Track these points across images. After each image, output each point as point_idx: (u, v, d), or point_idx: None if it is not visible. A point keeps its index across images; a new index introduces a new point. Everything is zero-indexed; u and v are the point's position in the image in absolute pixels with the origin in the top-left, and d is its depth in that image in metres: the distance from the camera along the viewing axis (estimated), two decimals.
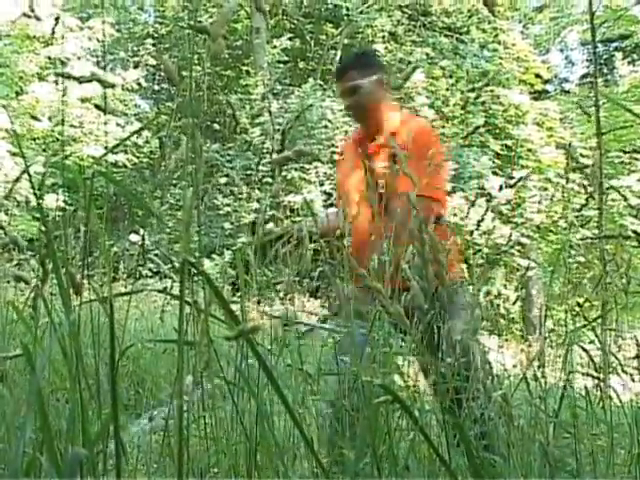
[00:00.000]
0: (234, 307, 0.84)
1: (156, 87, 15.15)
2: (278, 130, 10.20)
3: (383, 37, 13.69)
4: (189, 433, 1.23)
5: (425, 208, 1.82)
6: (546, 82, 15.95)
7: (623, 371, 1.65)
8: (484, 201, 8.56)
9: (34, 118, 9.96)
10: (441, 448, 1.40)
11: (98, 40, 11.56)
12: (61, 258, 0.98)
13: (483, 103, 12.48)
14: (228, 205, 10.77)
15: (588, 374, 1.61)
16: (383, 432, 1.35)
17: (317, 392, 1.66)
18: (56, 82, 9.91)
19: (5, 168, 8.41)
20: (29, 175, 0.96)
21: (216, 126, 12.61)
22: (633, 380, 1.63)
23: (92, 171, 0.97)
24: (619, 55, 15.26)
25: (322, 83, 12.52)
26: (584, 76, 19.05)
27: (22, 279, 1.20)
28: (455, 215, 9.03)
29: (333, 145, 10.85)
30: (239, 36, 14.88)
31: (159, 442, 1.72)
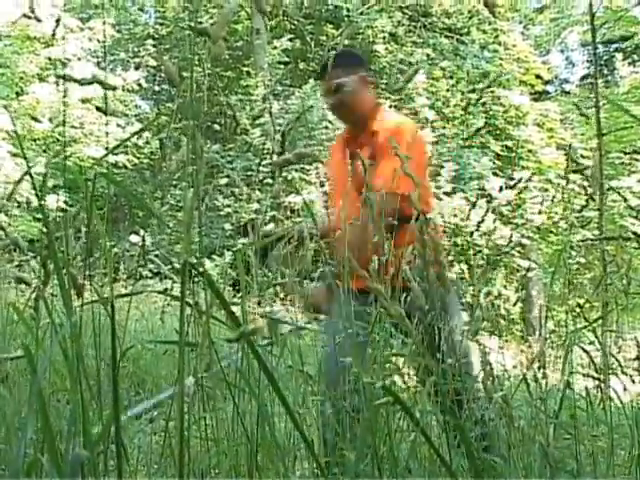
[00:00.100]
0: (235, 308, 0.85)
1: (157, 88, 15.14)
2: (279, 131, 10.20)
3: (384, 38, 13.69)
4: (190, 434, 1.23)
5: (395, 205, 1.82)
6: (546, 83, 15.96)
7: (623, 372, 1.65)
8: (484, 202, 8.57)
9: (34, 119, 9.96)
10: (442, 449, 1.40)
11: (98, 41, 11.56)
12: (62, 259, 0.98)
13: (484, 104, 12.49)
14: (229, 206, 10.77)
15: (588, 375, 1.61)
16: (384, 433, 1.36)
17: (317, 393, 1.66)
18: (57, 83, 9.92)
19: (6, 169, 8.41)
20: (31, 176, 0.97)
21: (217, 127, 12.60)
22: (633, 381, 1.63)
23: (93, 172, 0.97)
24: (619, 56, 15.25)
25: None
26: (584, 77, 19.06)
27: (23, 280, 1.20)
28: (455, 216, 9.04)
29: None
30: (239, 37, 14.88)
31: (160, 443, 1.72)
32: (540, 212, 9.91)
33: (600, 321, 1.90)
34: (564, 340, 1.69)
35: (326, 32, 14.28)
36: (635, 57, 15.87)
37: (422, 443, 1.38)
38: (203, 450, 1.38)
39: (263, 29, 13.10)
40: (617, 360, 1.68)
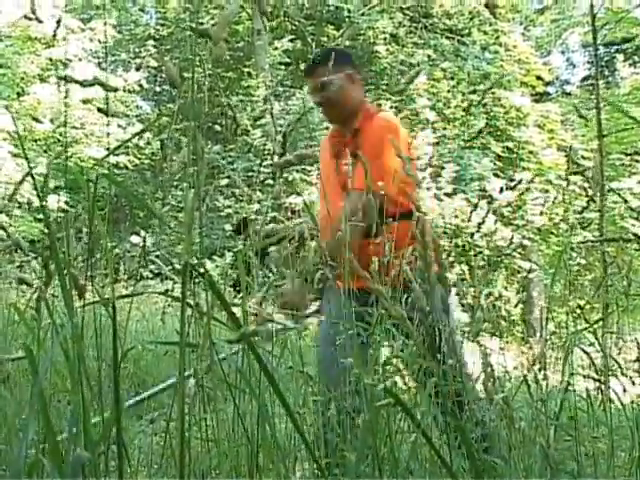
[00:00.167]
0: (235, 309, 0.85)
1: (158, 89, 15.15)
2: (280, 132, 10.20)
3: (384, 39, 13.68)
4: (191, 435, 1.23)
5: (376, 204, 1.81)
6: (547, 84, 15.94)
7: (623, 374, 1.65)
8: (485, 203, 8.56)
9: (35, 120, 9.96)
10: (442, 450, 1.40)
11: (99, 41, 11.57)
12: (63, 260, 0.98)
13: (484, 105, 12.49)
14: (229, 207, 10.77)
15: (589, 376, 1.61)
16: (384, 434, 1.36)
17: (317, 393, 1.66)
18: (58, 84, 9.92)
19: (7, 170, 8.42)
20: (32, 177, 0.97)
21: (217, 128, 12.60)
22: (634, 383, 1.63)
23: (94, 173, 0.97)
24: (620, 57, 15.25)
25: None
26: (585, 78, 19.04)
27: (24, 281, 1.21)
28: (456, 217, 9.03)
29: None
30: (240, 38, 14.89)
31: (161, 444, 1.72)
32: (541, 213, 9.90)
33: (601, 322, 1.90)
34: (565, 341, 1.69)
35: (327, 33, 14.28)
36: (636, 58, 15.88)
37: (423, 444, 1.38)
38: (204, 451, 1.38)
39: (264, 30, 13.09)
40: (617, 362, 1.68)
